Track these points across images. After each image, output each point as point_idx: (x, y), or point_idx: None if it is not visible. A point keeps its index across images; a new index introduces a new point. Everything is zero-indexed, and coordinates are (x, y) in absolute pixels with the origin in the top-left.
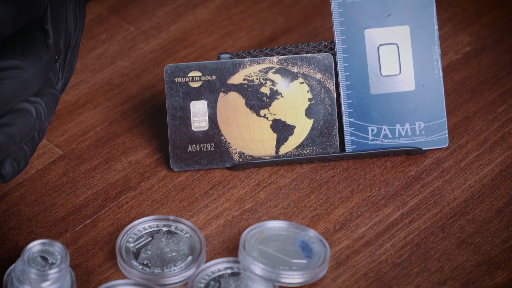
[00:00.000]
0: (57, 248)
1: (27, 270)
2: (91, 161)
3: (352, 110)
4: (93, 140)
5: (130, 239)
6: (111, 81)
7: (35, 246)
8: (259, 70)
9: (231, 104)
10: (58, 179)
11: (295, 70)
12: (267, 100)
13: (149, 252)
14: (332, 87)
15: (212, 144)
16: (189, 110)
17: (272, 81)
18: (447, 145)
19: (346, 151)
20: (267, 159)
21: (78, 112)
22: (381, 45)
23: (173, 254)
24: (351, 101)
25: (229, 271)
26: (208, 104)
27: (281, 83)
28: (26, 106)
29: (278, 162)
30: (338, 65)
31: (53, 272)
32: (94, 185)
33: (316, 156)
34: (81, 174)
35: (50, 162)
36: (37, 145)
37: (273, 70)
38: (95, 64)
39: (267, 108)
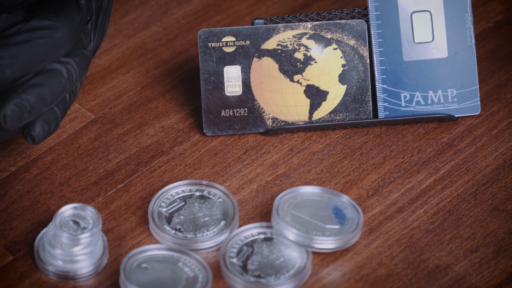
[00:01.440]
0: (89, 212)
1: (58, 235)
2: (123, 125)
3: (385, 76)
4: (126, 104)
5: (162, 204)
6: (144, 46)
7: (67, 210)
8: (293, 36)
9: (265, 69)
10: (90, 144)
11: (328, 36)
12: (301, 65)
13: (182, 217)
14: (366, 54)
15: (246, 109)
16: (223, 75)
17: (305, 46)
18: (479, 112)
19: (379, 117)
20: (300, 124)
21: (110, 76)
22: (414, 12)
23: (206, 219)
24: (384, 67)
25: (262, 236)
26: (241, 69)
27: (315, 49)
28: (57, 66)
29: (311, 128)
30: (372, 32)
31: (85, 237)
32: (126, 149)
33: (349, 122)
34: (114, 138)
35: (82, 126)
36: (68, 107)
37: (307, 35)
38: (128, 29)
39: (301, 74)
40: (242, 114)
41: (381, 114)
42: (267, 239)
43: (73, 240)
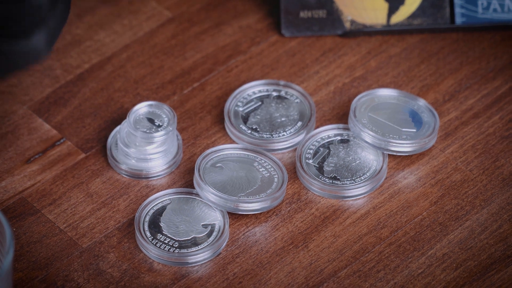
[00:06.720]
0: (165, 110)
1: (133, 132)
2: (201, 24)
3: None
4: (204, 3)
5: (239, 103)
6: None
7: (142, 108)
8: None
9: None
10: (167, 42)
11: None
12: None
13: (258, 117)
14: None
15: (324, 11)
16: None
17: None
18: None
19: (456, 24)
20: (378, 28)
21: None
22: None
23: (283, 119)
24: None
25: (338, 138)
26: None
27: None
28: None
29: (389, 31)
30: None
31: (159, 135)
32: (203, 48)
33: (426, 27)
34: (191, 37)
35: (159, 24)
36: None
37: None
38: None
39: None
40: (320, 16)
41: (458, 20)
42: (344, 141)
43: (148, 138)
